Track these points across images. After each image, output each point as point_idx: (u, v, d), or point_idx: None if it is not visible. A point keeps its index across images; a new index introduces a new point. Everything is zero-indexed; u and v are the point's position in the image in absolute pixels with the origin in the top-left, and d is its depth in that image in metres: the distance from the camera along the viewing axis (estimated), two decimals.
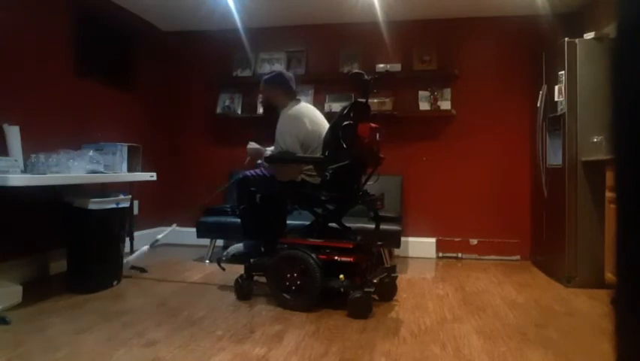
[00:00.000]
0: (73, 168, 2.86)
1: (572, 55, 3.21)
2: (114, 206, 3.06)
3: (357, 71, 2.85)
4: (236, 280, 2.86)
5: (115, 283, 3.13)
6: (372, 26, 4.30)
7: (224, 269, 3.09)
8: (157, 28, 4.75)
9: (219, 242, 4.45)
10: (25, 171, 2.86)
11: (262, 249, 2.91)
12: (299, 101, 3.07)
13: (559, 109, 3.36)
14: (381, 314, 2.58)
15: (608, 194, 2.89)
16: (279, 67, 4.48)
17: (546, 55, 3.66)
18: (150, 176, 3.54)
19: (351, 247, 2.65)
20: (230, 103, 4.69)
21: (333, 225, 2.91)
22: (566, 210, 3.24)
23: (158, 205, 4.68)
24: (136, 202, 3.98)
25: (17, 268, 3.02)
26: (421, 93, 4.34)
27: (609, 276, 2.84)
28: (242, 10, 4.19)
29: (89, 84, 3.78)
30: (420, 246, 4.35)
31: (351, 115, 2.66)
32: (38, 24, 3.32)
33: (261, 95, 3.20)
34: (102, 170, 3.13)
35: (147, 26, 4.61)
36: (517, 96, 4.23)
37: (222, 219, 4.01)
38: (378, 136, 2.71)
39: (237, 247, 3.07)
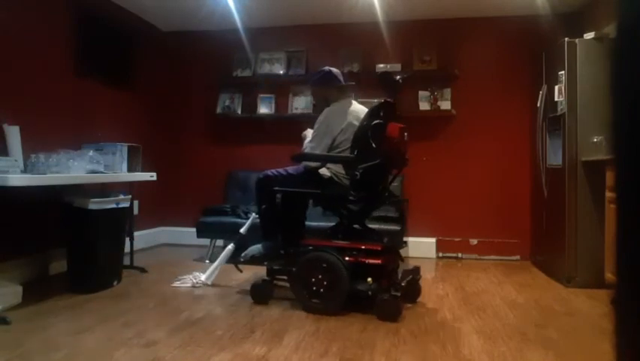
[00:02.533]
0: (73, 168, 2.86)
1: (572, 55, 3.21)
2: (114, 206, 3.06)
3: (386, 70, 2.85)
4: (256, 283, 2.77)
5: (115, 283, 3.13)
6: (372, 26, 4.30)
7: (241, 271, 3.04)
8: (157, 28, 4.75)
9: (219, 242, 4.45)
10: (25, 171, 2.86)
11: (281, 251, 2.84)
12: (348, 98, 3.02)
13: (559, 109, 3.36)
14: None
15: (608, 194, 2.89)
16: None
17: (546, 55, 3.66)
18: (150, 176, 3.54)
19: (379, 248, 2.57)
20: (230, 103, 4.69)
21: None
22: (566, 210, 3.24)
23: (158, 205, 4.68)
24: (136, 202, 3.98)
25: (17, 268, 3.02)
26: (421, 93, 4.34)
27: (609, 276, 2.84)
28: (242, 10, 4.19)
29: (89, 84, 3.78)
30: (420, 246, 4.34)
31: (381, 114, 2.61)
32: (38, 24, 3.32)
33: (313, 98, 3.14)
34: (102, 170, 3.13)
35: (147, 26, 4.61)
36: (517, 96, 4.23)
37: (222, 219, 4.01)
38: (405, 136, 2.67)
39: (256, 248, 2.95)
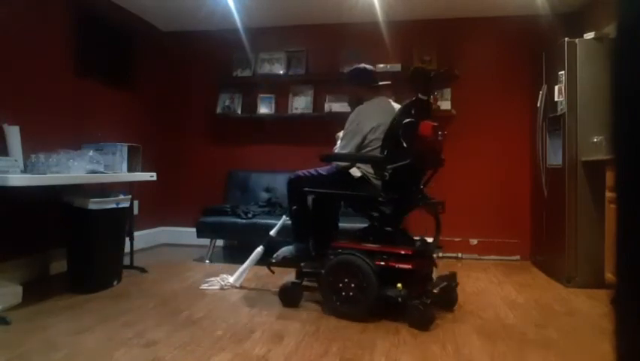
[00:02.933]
0: (73, 168, 2.86)
1: (572, 55, 3.21)
2: (114, 206, 3.06)
3: (418, 66, 2.75)
4: (285, 286, 2.72)
5: (115, 283, 3.13)
6: (372, 26, 4.30)
7: (273, 272, 2.96)
8: (157, 28, 4.75)
9: (219, 242, 4.45)
10: (25, 171, 2.86)
11: (313, 253, 2.75)
12: (382, 96, 2.91)
13: (559, 109, 3.36)
14: (382, 315, 2.57)
15: (608, 194, 2.89)
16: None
17: (546, 55, 3.66)
18: (150, 176, 3.54)
19: (410, 253, 2.44)
20: (230, 103, 4.69)
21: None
22: (566, 210, 3.24)
23: (158, 205, 4.68)
24: (136, 202, 3.98)
25: (17, 268, 3.02)
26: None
27: (609, 276, 2.84)
28: (242, 10, 4.19)
29: (89, 84, 3.78)
30: None
31: (413, 112, 2.50)
32: (38, 24, 3.32)
33: (347, 96, 3.04)
34: (102, 170, 3.13)
35: (147, 26, 4.61)
36: (517, 96, 4.23)
37: (222, 219, 4.01)
38: (440, 135, 2.56)
39: (288, 249, 2.88)
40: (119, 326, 2.34)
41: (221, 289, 3.08)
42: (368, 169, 2.72)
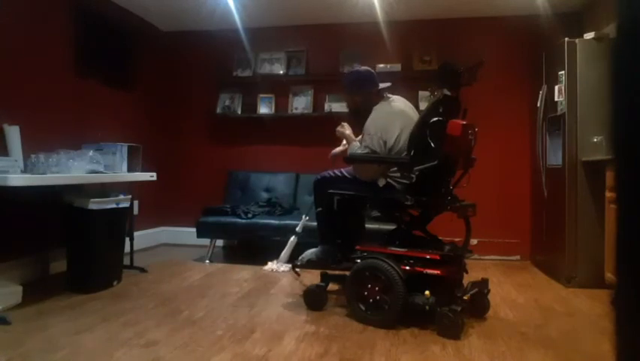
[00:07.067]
0: (73, 168, 2.86)
1: (572, 55, 3.21)
2: (114, 206, 3.06)
3: (447, 61, 2.63)
4: (309, 289, 2.67)
5: (115, 283, 3.13)
6: (372, 26, 4.30)
7: (299, 275, 2.94)
8: (157, 28, 4.75)
9: (219, 242, 4.45)
10: (25, 171, 2.86)
11: (338, 256, 2.67)
12: (388, 98, 2.76)
13: (559, 109, 3.36)
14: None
15: (608, 194, 2.89)
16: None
17: (546, 55, 3.66)
18: (150, 176, 3.54)
19: (438, 258, 2.33)
20: (230, 103, 4.69)
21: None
22: (566, 210, 3.24)
23: (158, 205, 4.68)
24: (136, 202, 3.98)
25: (17, 268, 3.02)
26: (421, 93, 4.33)
27: (609, 276, 2.84)
28: (242, 10, 4.19)
29: (89, 84, 3.78)
30: None
31: (441, 110, 2.38)
32: (39, 24, 3.32)
33: (347, 104, 2.92)
34: (102, 170, 3.13)
35: (147, 26, 4.61)
36: (517, 96, 4.23)
37: (222, 219, 4.01)
38: (470, 134, 2.44)
39: (313, 252, 2.81)
40: (119, 326, 2.34)
41: (272, 271, 3.57)
42: (393, 172, 2.58)
